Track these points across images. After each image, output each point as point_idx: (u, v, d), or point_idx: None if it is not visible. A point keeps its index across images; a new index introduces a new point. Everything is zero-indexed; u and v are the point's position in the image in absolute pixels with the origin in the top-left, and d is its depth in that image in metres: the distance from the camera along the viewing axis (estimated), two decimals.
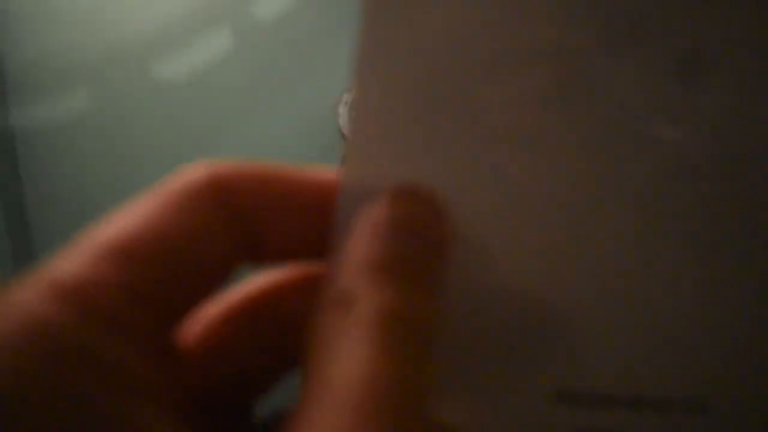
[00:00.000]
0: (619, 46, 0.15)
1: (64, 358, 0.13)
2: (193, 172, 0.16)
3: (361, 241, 0.15)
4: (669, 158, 0.16)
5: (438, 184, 0.16)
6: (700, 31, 0.15)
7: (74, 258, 0.15)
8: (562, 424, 0.17)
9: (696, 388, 0.17)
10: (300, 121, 1.30)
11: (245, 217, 0.16)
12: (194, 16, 1.29)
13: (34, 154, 1.33)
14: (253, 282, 0.18)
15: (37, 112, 1.34)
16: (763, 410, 0.16)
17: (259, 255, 0.17)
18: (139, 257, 0.15)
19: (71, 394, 0.13)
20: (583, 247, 0.17)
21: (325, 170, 0.17)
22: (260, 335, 0.17)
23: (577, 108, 0.16)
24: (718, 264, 0.16)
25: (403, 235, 0.15)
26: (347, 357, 0.13)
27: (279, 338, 0.17)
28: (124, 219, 0.16)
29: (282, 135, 1.31)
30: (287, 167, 0.17)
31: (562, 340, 0.17)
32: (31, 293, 0.15)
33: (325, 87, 1.33)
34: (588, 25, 0.15)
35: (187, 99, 1.31)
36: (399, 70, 0.17)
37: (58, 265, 0.16)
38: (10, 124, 1.34)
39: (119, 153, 1.30)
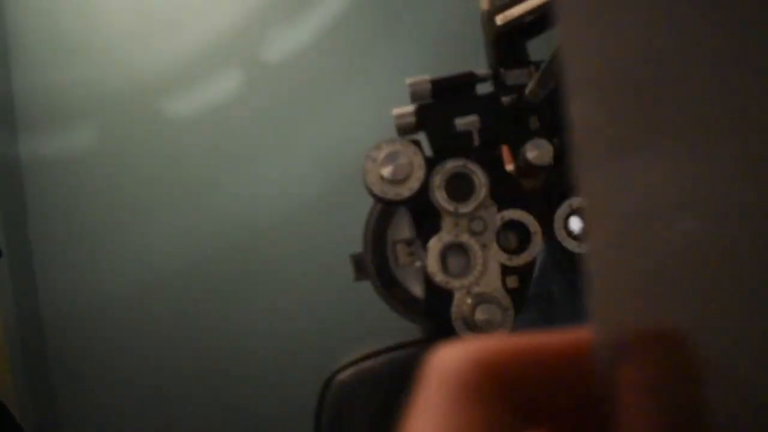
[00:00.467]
0: None
1: None
2: (458, 360, 0.17)
3: (630, 413, 0.16)
4: None
5: (680, 315, 0.17)
6: None
7: None
8: None
9: None
10: (308, 161, 1.33)
11: (519, 398, 0.17)
12: (204, 57, 1.31)
13: (41, 184, 1.34)
14: None
15: (46, 144, 1.36)
16: None
17: (531, 424, 0.17)
18: None
19: None
20: None
21: (570, 330, 0.18)
22: None
23: None
24: None
25: (669, 405, 0.16)
26: None
27: None
28: (425, 427, 0.17)
29: (290, 175, 1.33)
30: (535, 336, 0.18)
31: None
32: None
33: (332, 129, 1.36)
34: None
35: (194, 137, 1.33)
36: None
37: None
38: (18, 154, 1.35)
39: (124, 188, 1.31)
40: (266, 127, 1.33)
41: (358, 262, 0.55)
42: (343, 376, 0.77)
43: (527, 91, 0.48)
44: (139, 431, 1.31)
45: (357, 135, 1.29)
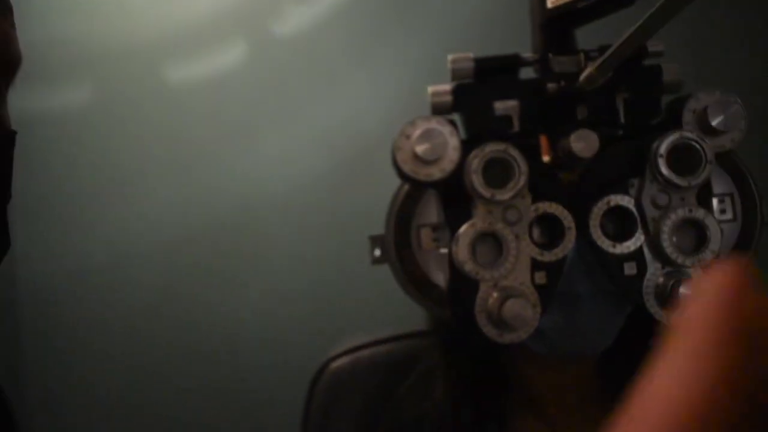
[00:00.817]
0: None
1: None
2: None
3: None
4: None
5: None
6: None
7: None
8: None
9: None
10: (311, 140, 1.29)
11: None
12: (213, 24, 1.27)
13: (28, 142, 1.28)
14: None
15: (34, 100, 1.30)
16: None
17: None
18: None
19: None
20: None
21: None
22: None
23: None
24: None
25: None
26: None
27: None
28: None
29: (292, 153, 1.29)
30: None
31: None
32: None
33: (339, 109, 1.32)
34: None
35: (195, 106, 1.28)
36: None
37: None
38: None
39: (117, 152, 1.27)
40: (271, 102, 1.30)
41: (377, 244, 0.53)
42: (338, 363, 0.74)
43: (583, 77, 0.45)
44: (113, 408, 1.27)
45: (364, 116, 1.27)
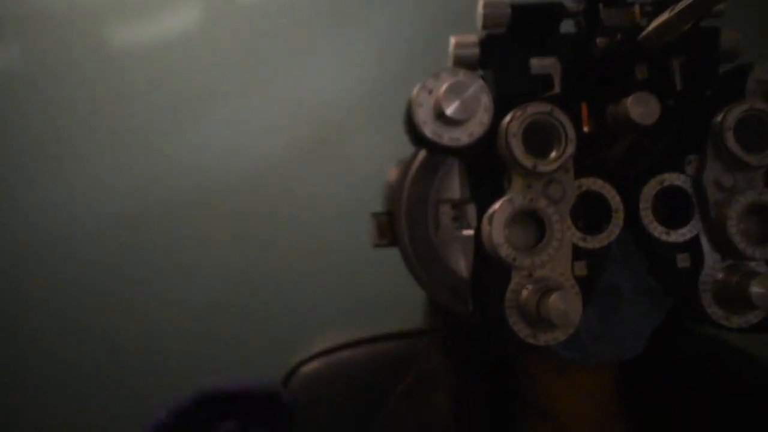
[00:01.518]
0: None
1: None
2: None
3: None
4: None
5: None
6: None
7: None
8: None
9: None
10: (271, 114, 1.19)
11: None
12: None
13: None
14: None
15: None
16: None
17: None
18: None
19: None
20: None
21: None
22: None
23: None
24: None
25: None
26: None
27: None
28: None
29: (249, 128, 1.19)
30: None
31: None
32: None
33: (305, 83, 1.22)
34: None
35: (142, 73, 1.16)
36: None
37: None
38: None
39: (54, 121, 1.13)
40: (226, 73, 1.18)
41: (383, 224, 0.44)
42: (310, 367, 0.65)
43: (653, 26, 0.37)
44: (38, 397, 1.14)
45: (332, 95, 1.17)
